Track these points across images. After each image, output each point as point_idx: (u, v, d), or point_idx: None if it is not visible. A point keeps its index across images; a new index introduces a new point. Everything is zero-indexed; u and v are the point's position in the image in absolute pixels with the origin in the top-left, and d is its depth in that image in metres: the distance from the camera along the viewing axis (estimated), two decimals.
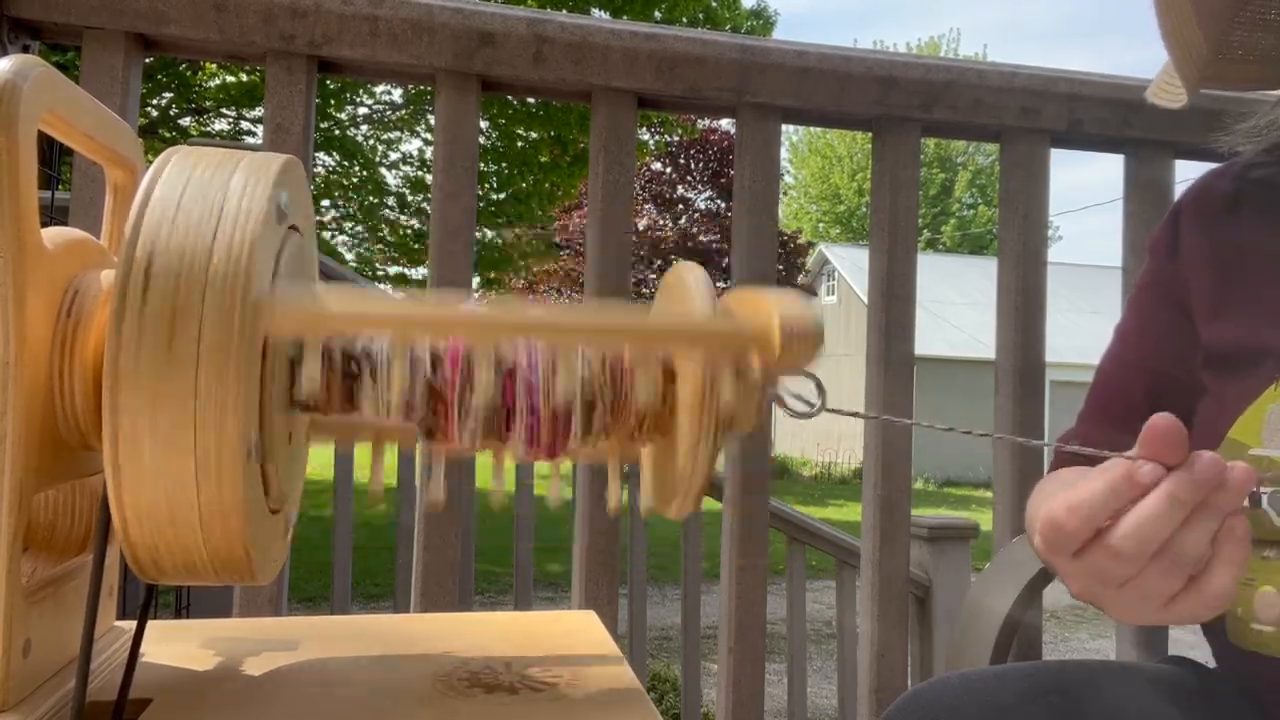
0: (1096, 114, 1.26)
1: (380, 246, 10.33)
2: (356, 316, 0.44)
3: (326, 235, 9.85)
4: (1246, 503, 0.63)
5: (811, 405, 0.47)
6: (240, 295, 0.38)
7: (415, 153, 10.21)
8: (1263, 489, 0.65)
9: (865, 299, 1.28)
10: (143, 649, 0.47)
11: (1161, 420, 0.45)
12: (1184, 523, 0.45)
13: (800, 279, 14.41)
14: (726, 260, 10.72)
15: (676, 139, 12.38)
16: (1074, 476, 0.73)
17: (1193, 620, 0.49)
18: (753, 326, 0.45)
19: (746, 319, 0.46)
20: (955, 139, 1.42)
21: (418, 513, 1.12)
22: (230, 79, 8.61)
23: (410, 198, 10.04)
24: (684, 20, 8.65)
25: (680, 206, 13.23)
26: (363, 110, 9.78)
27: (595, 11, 8.33)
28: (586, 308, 0.47)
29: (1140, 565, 0.47)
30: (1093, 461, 0.69)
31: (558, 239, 12.07)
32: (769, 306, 0.45)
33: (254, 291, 0.39)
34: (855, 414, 0.50)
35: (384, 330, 0.45)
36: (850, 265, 19.88)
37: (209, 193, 0.41)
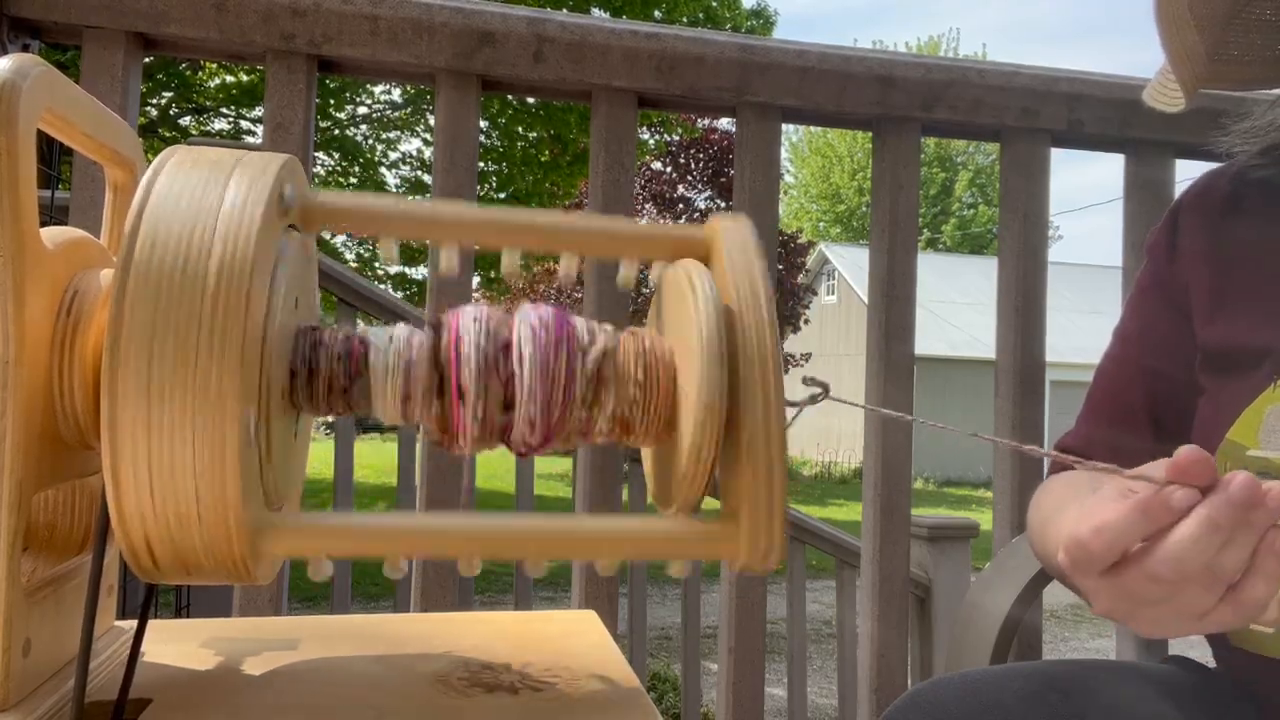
0: (1097, 114, 1.26)
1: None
2: (346, 211, 0.46)
3: (326, 235, 9.85)
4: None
5: (816, 393, 0.47)
6: (240, 295, 0.38)
7: (415, 153, 10.21)
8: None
9: (865, 299, 1.28)
10: (143, 649, 0.47)
11: (1188, 453, 0.45)
12: (1223, 543, 0.45)
13: (800, 279, 14.40)
14: None
15: (676, 139, 12.37)
16: (1083, 482, 0.73)
17: (1226, 629, 0.49)
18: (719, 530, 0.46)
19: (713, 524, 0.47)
20: (955, 139, 1.42)
21: (418, 512, 1.12)
22: (230, 79, 8.61)
23: (410, 198, 10.04)
24: (684, 20, 8.66)
25: (680, 206, 13.23)
26: (362, 110, 9.78)
27: (595, 11, 8.33)
28: (575, 525, 0.48)
29: (1178, 586, 0.47)
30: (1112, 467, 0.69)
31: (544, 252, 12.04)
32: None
33: (254, 291, 0.39)
34: (857, 404, 0.50)
35: (374, 228, 0.47)
36: (850, 265, 19.88)
37: (209, 192, 0.40)
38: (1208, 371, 0.74)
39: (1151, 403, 0.78)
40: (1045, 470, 0.88)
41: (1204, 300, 0.75)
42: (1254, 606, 0.47)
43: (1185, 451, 0.46)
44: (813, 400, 0.47)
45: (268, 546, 0.43)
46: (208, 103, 8.88)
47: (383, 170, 10.12)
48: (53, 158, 2.02)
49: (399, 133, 10.02)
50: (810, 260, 18.34)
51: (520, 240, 0.51)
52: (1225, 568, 0.46)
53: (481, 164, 8.71)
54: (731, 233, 0.49)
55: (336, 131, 9.32)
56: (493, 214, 0.50)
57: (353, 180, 9.78)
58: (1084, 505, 0.53)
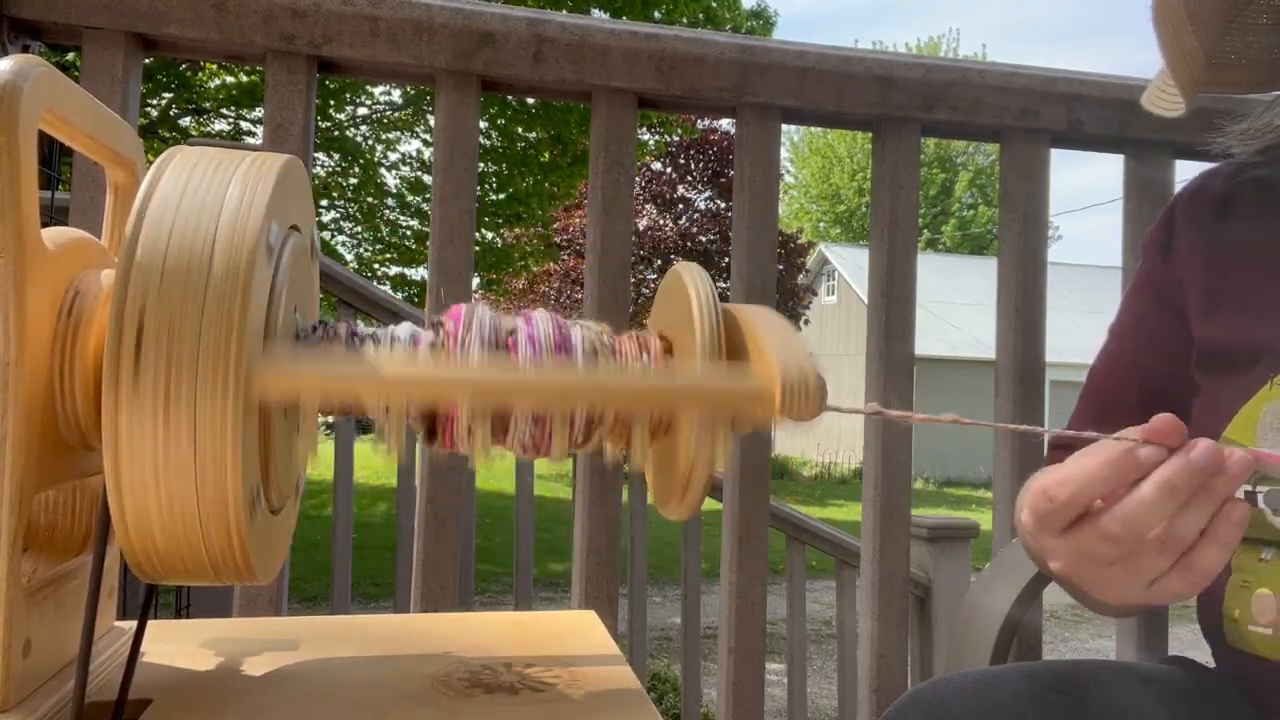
0: (1096, 114, 1.26)
1: (380, 247, 10.32)
2: (349, 378, 0.42)
3: (326, 235, 9.85)
4: (1242, 498, 0.63)
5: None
6: (242, 296, 0.38)
7: (415, 153, 10.22)
8: (1259, 488, 0.65)
9: (865, 299, 1.28)
10: (143, 649, 0.47)
11: (1163, 419, 0.46)
12: (1181, 506, 0.45)
13: (800, 279, 14.40)
14: (726, 260, 10.73)
15: (676, 139, 12.37)
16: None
17: (1175, 599, 0.50)
18: (753, 386, 0.44)
19: (747, 372, 0.45)
20: (955, 139, 1.42)
21: (418, 512, 1.12)
22: (230, 79, 8.61)
23: (410, 198, 10.04)
24: (684, 20, 8.65)
25: (680, 206, 13.23)
26: (363, 111, 9.78)
27: (595, 11, 8.33)
28: (583, 375, 0.46)
29: (1131, 548, 0.47)
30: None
31: (558, 239, 12.07)
32: (771, 359, 0.44)
33: (255, 292, 0.39)
34: (855, 410, 0.50)
35: (377, 394, 0.43)
36: (850, 265, 19.88)
37: (210, 194, 0.41)
38: (1203, 370, 0.74)
39: (1145, 400, 0.79)
40: (1045, 449, 0.88)
41: (1199, 299, 0.75)
42: (1204, 575, 0.47)
43: (1160, 417, 0.46)
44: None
45: (268, 546, 0.43)
46: (208, 103, 8.88)
47: (383, 171, 10.12)
48: (53, 158, 2.02)
49: (399, 133, 10.02)
50: (810, 260, 18.35)
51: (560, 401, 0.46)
52: (1180, 534, 0.46)
53: (481, 164, 8.71)
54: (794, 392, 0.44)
55: (336, 132, 9.32)
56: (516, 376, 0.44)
57: (353, 180, 9.78)
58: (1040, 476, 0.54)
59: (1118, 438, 0.48)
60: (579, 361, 0.46)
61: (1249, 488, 0.66)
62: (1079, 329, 15.94)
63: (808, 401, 0.43)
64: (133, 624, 0.48)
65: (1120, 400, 0.80)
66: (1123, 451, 0.46)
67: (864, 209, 25.89)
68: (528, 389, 0.44)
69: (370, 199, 10.03)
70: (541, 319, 0.47)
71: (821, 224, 27.74)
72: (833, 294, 20.81)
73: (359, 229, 10.26)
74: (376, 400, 0.43)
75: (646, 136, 10.81)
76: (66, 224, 0.85)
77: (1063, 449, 0.84)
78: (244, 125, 9.07)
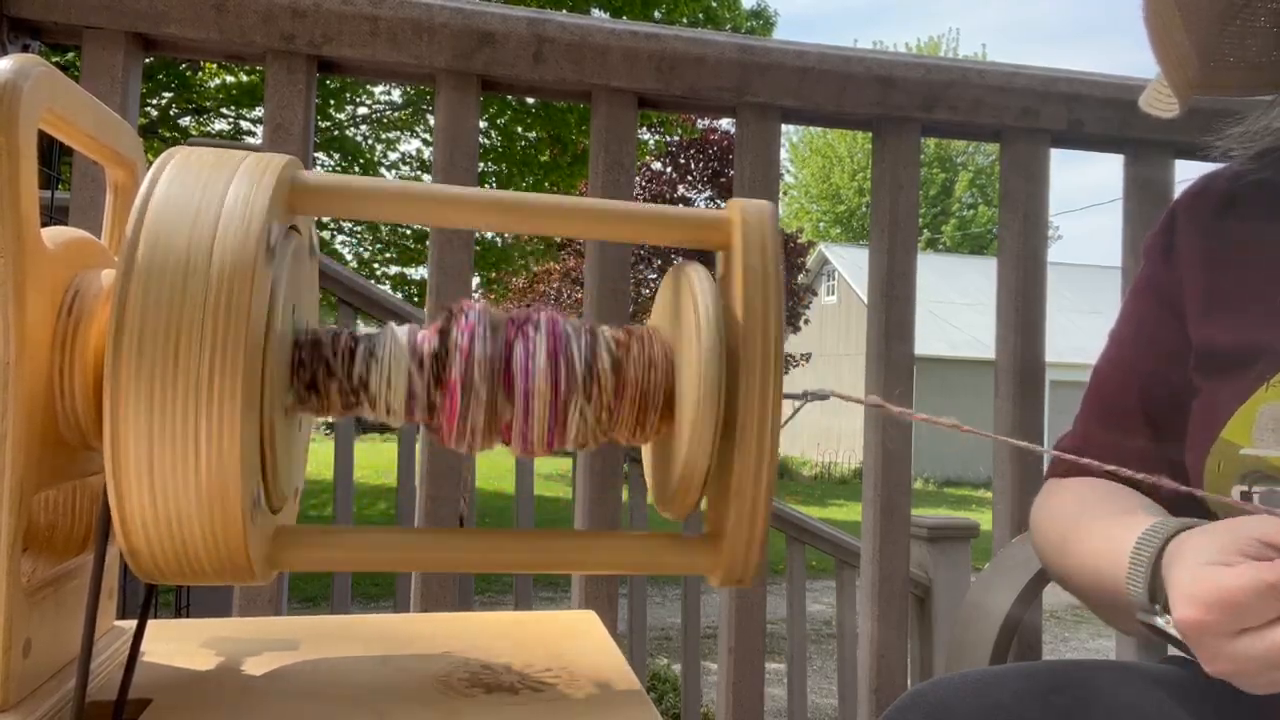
0: (1096, 114, 1.26)
1: (380, 246, 10.32)
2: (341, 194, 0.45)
3: (326, 235, 9.85)
4: (1239, 499, 0.63)
5: (810, 396, 0.47)
6: (242, 296, 0.38)
7: (415, 153, 10.22)
8: (1255, 488, 0.65)
9: (865, 299, 1.28)
10: (143, 649, 0.47)
11: None
12: None
13: (800, 279, 14.39)
14: None
15: (676, 139, 12.37)
16: (1098, 493, 0.72)
17: None
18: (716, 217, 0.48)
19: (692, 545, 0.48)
20: (955, 139, 1.42)
21: (418, 512, 1.12)
22: (230, 79, 8.60)
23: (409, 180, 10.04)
24: (684, 20, 8.65)
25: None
26: (363, 110, 9.78)
27: (595, 11, 8.33)
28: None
29: None
30: (1112, 466, 0.69)
31: (558, 239, 12.07)
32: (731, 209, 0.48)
33: (255, 292, 0.39)
34: (856, 399, 0.50)
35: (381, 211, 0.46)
36: (850, 265, 19.88)
37: (210, 194, 0.40)
38: (1202, 371, 0.74)
39: (1147, 403, 0.79)
40: (1045, 470, 0.88)
41: (1198, 300, 0.75)
42: None
43: None
44: (814, 399, 0.47)
45: (278, 556, 0.43)
46: (208, 103, 8.88)
47: (383, 170, 10.11)
48: (53, 158, 2.02)
49: (399, 133, 10.02)
50: (810, 260, 18.34)
51: (531, 223, 0.49)
52: None
53: (481, 164, 8.71)
54: (752, 228, 0.48)
55: (336, 132, 9.32)
56: (501, 196, 0.49)
57: None
58: (1198, 567, 0.52)
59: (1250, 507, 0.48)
60: (578, 370, 0.46)
61: (1245, 488, 0.66)
62: (1079, 329, 15.95)
63: (766, 232, 0.46)
64: (133, 624, 0.48)
65: (1123, 404, 0.80)
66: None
67: (864, 209, 25.89)
68: (516, 206, 0.46)
69: None
70: (538, 333, 0.47)
71: (821, 224, 27.74)
72: (833, 294, 20.81)
73: (359, 229, 10.26)
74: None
75: (646, 136, 10.81)
76: (66, 224, 0.85)
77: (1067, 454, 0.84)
78: (244, 125, 9.07)
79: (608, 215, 0.49)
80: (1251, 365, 0.67)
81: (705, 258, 0.50)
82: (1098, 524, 0.67)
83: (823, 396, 0.49)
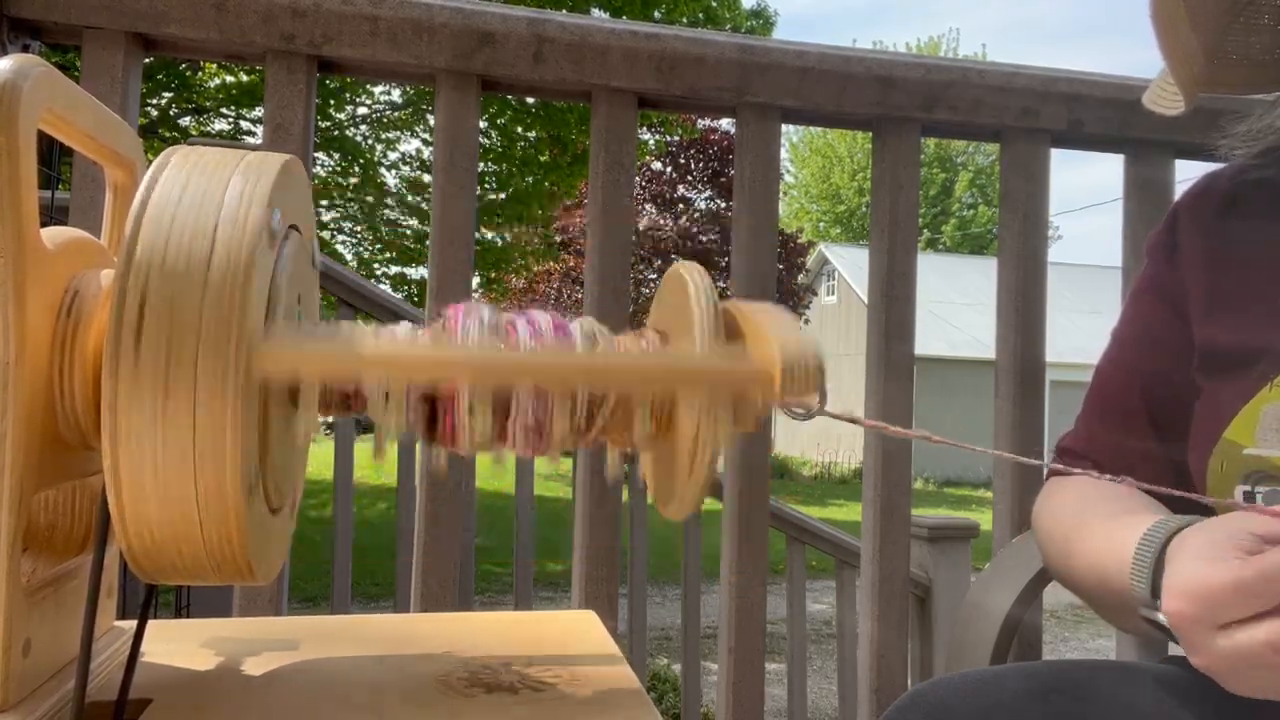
0: (1097, 114, 1.26)
1: (380, 246, 10.33)
2: (350, 358, 0.43)
3: (326, 235, 9.85)
4: (1241, 499, 0.63)
5: (808, 409, 0.47)
6: (241, 296, 0.38)
7: (415, 153, 10.22)
8: (1258, 488, 0.65)
9: (865, 299, 1.28)
10: (143, 649, 0.47)
11: None
12: None
13: (800, 279, 14.39)
14: (726, 260, 10.72)
15: (676, 139, 12.37)
16: (1099, 491, 0.72)
17: None
18: (753, 367, 0.44)
19: (746, 354, 0.45)
20: (955, 139, 1.42)
21: (418, 513, 1.12)
22: (230, 79, 8.61)
23: (410, 198, 10.04)
24: (684, 20, 8.65)
25: (680, 206, 13.22)
26: (362, 110, 9.78)
27: (595, 11, 8.33)
28: (584, 353, 0.46)
29: None
30: (1103, 467, 0.69)
31: (558, 239, 12.07)
32: (770, 341, 0.44)
33: (255, 292, 0.39)
34: (853, 420, 0.50)
35: (377, 373, 0.44)
36: (850, 265, 19.88)
37: (209, 193, 0.40)
38: (1204, 372, 0.74)
39: (1150, 403, 0.79)
40: (1045, 470, 0.88)
41: (1201, 301, 0.75)
42: None
43: None
44: (806, 417, 0.47)
45: (267, 546, 0.43)
46: (208, 103, 8.88)
47: (383, 170, 10.12)
48: (53, 158, 2.02)
49: (399, 133, 10.02)
50: (810, 260, 18.35)
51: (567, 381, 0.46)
52: None
53: (481, 164, 8.71)
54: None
55: (336, 132, 9.32)
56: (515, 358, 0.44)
57: (353, 180, 9.78)
58: (1190, 561, 0.52)
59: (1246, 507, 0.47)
60: (578, 344, 0.46)
61: (1249, 488, 0.66)
62: (1079, 329, 15.94)
63: (807, 383, 0.43)
64: (133, 624, 0.48)
65: (1125, 404, 0.80)
66: None
67: (864, 209, 25.88)
68: (527, 368, 0.44)
69: (370, 199, 10.03)
70: (538, 313, 0.47)
71: (821, 224, 27.74)
72: (833, 294, 20.81)
73: (359, 229, 10.26)
74: (376, 381, 0.44)
75: (646, 136, 10.81)
76: (66, 224, 0.85)
77: (1071, 454, 0.84)
78: (244, 125, 9.07)
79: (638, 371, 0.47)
80: (1254, 365, 0.67)
81: (708, 261, 0.50)
82: (1101, 523, 0.67)
83: (820, 407, 0.48)
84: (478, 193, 1.10)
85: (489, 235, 10.40)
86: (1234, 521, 0.52)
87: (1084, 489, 0.77)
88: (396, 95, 9.64)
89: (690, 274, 0.48)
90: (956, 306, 19.07)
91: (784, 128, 1.24)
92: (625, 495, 1.39)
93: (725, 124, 11.90)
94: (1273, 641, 0.46)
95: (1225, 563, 0.49)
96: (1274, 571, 0.47)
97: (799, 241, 14.01)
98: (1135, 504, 0.69)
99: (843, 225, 27.47)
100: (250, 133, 9.03)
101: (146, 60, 1.12)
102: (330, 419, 0.49)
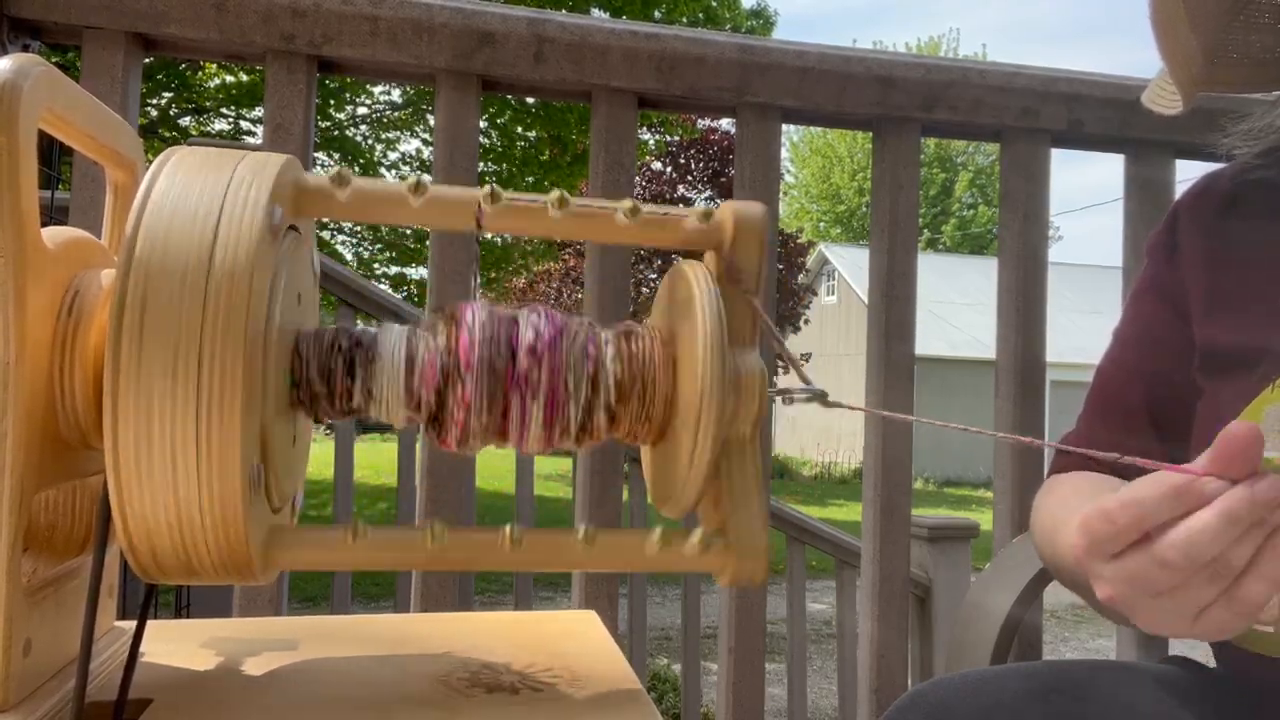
0: (1097, 114, 1.26)
1: (380, 246, 10.32)
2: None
3: (326, 235, 9.85)
4: None
5: (811, 394, 0.47)
6: (242, 296, 0.38)
7: (415, 153, 10.21)
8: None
9: (865, 299, 1.28)
10: (143, 649, 0.47)
11: (1240, 429, 0.45)
12: (1236, 538, 0.45)
13: (800, 279, 14.39)
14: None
15: (676, 139, 12.37)
16: (1089, 486, 0.73)
17: (1219, 635, 0.49)
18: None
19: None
20: (955, 139, 1.42)
21: (418, 513, 1.12)
22: (230, 79, 8.60)
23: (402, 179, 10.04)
24: (684, 20, 8.65)
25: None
26: (362, 110, 9.78)
27: (595, 11, 8.33)
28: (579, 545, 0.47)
29: (1185, 575, 0.47)
30: (1101, 465, 0.69)
31: (558, 239, 12.06)
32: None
33: (255, 291, 0.39)
34: (856, 407, 0.50)
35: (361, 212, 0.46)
36: (850, 265, 19.88)
37: (209, 193, 0.40)
38: (1206, 372, 0.74)
39: (1151, 404, 0.78)
40: (1045, 471, 0.88)
41: (1202, 301, 0.75)
42: (1251, 607, 0.47)
43: (1236, 425, 0.45)
44: (809, 400, 0.47)
45: (275, 555, 0.43)
46: (208, 103, 8.87)
47: (383, 170, 10.11)
48: (53, 158, 2.02)
49: (399, 133, 10.02)
50: (810, 260, 18.34)
51: (520, 225, 0.49)
52: (1231, 564, 0.46)
53: (481, 164, 8.70)
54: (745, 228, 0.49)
55: (336, 132, 9.31)
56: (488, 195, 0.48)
57: None
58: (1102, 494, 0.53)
59: (1178, 468, 0.47)
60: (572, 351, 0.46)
61: None
62: (1079, 329, 15.95)
63: (754, 230, 0.47)
64: (133, 624, 0.48)
65: (1126, 404, 0.80)
66: (1189, 481, 0.46)
67: (864, 209, 25.88)
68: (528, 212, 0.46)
69: None
70: (541, 321, 0.47)
71: (821, 224, 27.74)
72: (833, 294, 20.81)
73: (359, 229, 10.26)
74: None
75: (646, 136, 10.81)
76: (66, 224, 0.85)
77: (1073, 455, 0.83)
78: (244, 125, 9.07)
79: (597, 218, 0.49)
80: (1256, 366, 0.67)
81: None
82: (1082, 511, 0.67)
83: (823, 395, 0.48)
84: None
85: (489, 235, 10.39)
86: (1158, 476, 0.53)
87: (1078, 483, 0.77)
88: (396, 95, 9.64)
89: (691, 274, 0.48)
90: (956, 306, 19.08)
91: (784, 128, 1.24)
92: (625, 495, 1.39)
93: (725, 124, 11.90)
94: (1158, 556, 0.47)
95: (1104, 499, 0.50)
96: (1140, 498, 0.48)
97: (799, 241, 14.00)
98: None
99: (843, 225, 27.47)
100: (250, 133, 9.03)
101: (146, 60, 1.12)
102: (330, 420, 0.49)
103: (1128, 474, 0.56)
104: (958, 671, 0.67)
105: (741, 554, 0.46)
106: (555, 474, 11.38)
